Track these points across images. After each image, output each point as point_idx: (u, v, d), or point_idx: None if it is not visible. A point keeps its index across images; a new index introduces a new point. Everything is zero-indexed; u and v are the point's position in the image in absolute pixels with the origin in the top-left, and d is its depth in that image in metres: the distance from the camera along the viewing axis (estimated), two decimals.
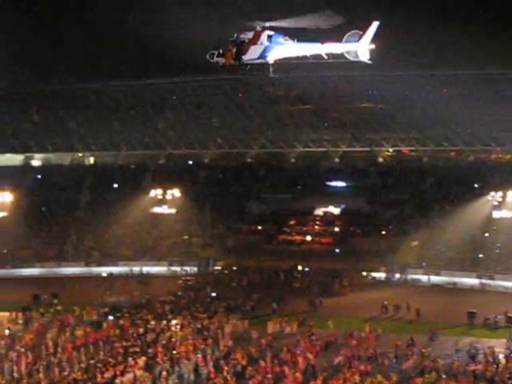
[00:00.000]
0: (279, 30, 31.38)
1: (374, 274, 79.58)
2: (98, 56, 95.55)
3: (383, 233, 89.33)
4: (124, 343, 48.08)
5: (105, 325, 54.91)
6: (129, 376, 40.46)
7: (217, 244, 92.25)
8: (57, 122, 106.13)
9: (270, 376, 41.00)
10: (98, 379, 39.82)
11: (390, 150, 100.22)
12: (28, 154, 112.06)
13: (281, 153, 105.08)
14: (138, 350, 46.26)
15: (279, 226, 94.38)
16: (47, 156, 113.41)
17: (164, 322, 54.53)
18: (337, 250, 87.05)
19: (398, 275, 79.47)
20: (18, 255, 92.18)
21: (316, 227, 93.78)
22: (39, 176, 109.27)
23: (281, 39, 31.60)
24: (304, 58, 32.07)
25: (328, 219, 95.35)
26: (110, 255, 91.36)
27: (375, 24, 31.39)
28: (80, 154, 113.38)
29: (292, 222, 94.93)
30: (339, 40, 31.64)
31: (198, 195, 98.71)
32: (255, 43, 31.22)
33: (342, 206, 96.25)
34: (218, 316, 57.10)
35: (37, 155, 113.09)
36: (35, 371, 42.37)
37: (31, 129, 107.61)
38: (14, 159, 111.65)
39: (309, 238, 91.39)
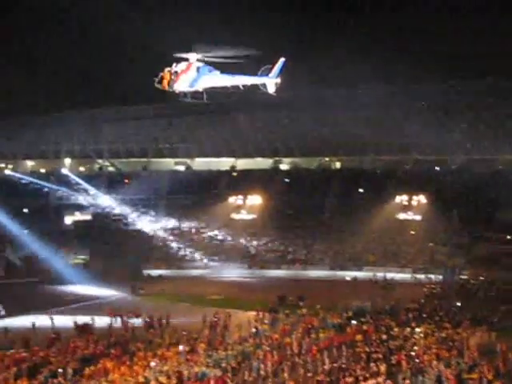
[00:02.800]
0: (208, 63, 36.67)
1: None
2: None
3: None
4: (367, 349, 47.97)
5: (348, 329, 55.06)
6: (371, 382, 40.30)
7: (463, 253, 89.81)
8: (303, 125, 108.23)
9: None
10: (341, 383, 39.99)
11: None
12: (277, 158, 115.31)
13: None
14: (380, 356, 45.98)
15: None
16: (295, 160, 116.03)
17: (407, 330, 53.83)
18: None
19: None
20: (265, 257, 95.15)
21: None
22: (287, 180, 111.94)
23: (207, 71, 36.78)
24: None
25: None
26: (355, 260, 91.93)
27: (281, 60, 36.02)
28: (327, 159, 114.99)
29: None
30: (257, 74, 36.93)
31: (444, 202, 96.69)
32: (186, 73, 36.57)
33: None
34: (463, 326, 55.52)
35: (285, 159, 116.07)
36: (280, 371, 43.30)
37: (280, 133, 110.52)
38: (264, 163, 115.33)
39: None
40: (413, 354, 46.51)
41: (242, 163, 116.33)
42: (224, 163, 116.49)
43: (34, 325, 57.77)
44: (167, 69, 37.26)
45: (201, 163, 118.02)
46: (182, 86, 37.08)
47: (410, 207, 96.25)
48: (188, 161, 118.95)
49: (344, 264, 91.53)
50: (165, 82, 37.23)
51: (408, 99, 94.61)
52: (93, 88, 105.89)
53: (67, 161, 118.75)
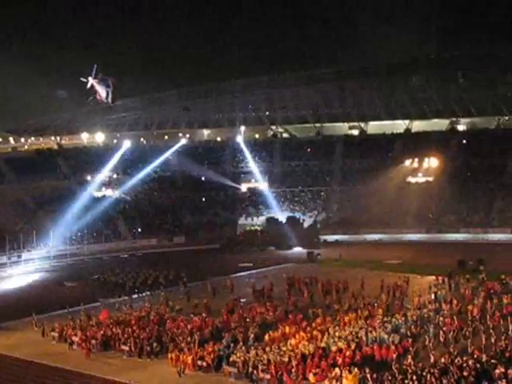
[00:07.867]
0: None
1: None
2: None
3: None
4: None
5: None
6: None
7: None
8: (483, 85, 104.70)
9: None
10: None
11: None
12: (453, 119, 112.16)
13: None
14: None
15: None
16: (472, 120, 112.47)
17: None
18: None
19: None
20: (443, 220, 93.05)
21: None
22: (464, 141, 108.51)
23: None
24: None
25: None
26: None
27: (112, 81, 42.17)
28: (507, 118, 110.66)
29: None
30: None
31: None
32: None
33: None
34: None
35: (462, 120, 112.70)
36: (461, 337, 42.15)
37: (457, 93, 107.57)
38: (440, 124, 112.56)
39: None
40: None
41: (417, 125, 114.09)
42: (398, 126, 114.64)
43: (214, 290, 59.18)
44: None
45: (375, 126, 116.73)
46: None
47: None
48: (362, 124, 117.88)
49: None
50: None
51: None
52: (265, 56, 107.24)
53: (242, 129, 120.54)
